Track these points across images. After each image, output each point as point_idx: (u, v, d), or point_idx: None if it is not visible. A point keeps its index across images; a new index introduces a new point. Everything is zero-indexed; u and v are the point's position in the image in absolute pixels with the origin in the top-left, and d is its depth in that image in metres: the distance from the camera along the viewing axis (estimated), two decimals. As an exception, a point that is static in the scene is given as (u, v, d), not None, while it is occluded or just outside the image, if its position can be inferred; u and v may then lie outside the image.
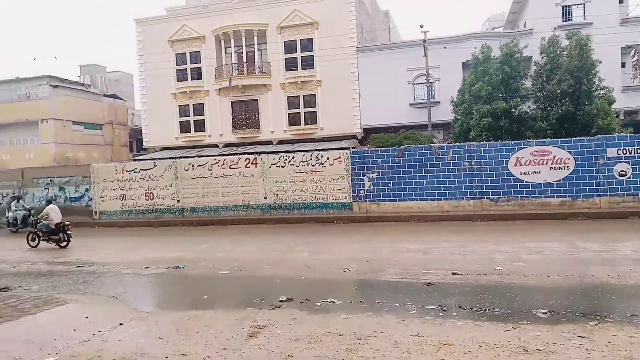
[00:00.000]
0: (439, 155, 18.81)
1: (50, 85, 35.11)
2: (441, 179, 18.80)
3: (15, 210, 20.72)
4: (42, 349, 5.98)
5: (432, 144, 20.71)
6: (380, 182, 19.44)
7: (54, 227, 15.29)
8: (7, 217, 20.96)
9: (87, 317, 7.29)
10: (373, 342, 5.72)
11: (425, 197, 18.87)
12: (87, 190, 23.23)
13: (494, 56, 23.34)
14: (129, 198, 22.34)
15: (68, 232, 15.26)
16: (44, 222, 15.33)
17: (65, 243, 15.33)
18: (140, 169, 22.49)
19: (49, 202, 16.75)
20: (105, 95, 39.83)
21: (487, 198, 18.34)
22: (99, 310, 7.73)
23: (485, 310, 6.88)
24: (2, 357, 5.76)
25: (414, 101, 29.11)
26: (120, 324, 6.88)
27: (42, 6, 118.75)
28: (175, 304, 8.28)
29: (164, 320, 7.09)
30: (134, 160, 29.94)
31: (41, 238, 15.53)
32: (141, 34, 33.14)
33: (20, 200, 21.42)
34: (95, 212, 22.96)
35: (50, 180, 24.04)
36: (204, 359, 5.44)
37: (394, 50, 30.08)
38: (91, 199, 23.07)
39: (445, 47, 27.62)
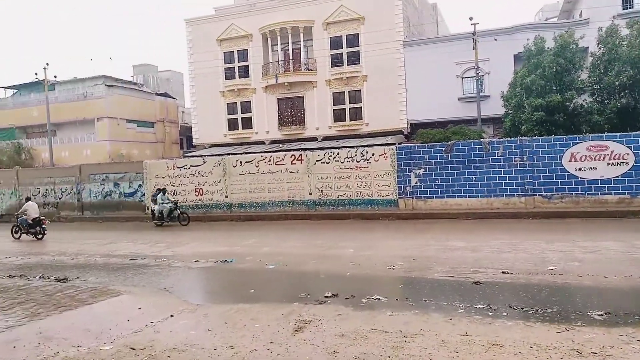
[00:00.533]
0: (488, 150, 18.31)
1: (106, 85, 36.60)
2: (491, 175, 18.30)
3: (162, 203, 20.24)
4: (98, 338, 6.25)
5: (481, 139, 20.19)
6: (428, 178, 19.13)
7: (31, 222, 17.06)
8: (153, 210, 20.78)
9: (139, 309, 7.55)
10: (419, 340, 5.64)
11: (474, 193, 18.43)
12: (140, 185, 24.09)
13: (548, 48, 22.45)
14: (180, 193, 23.00)
15: (43, 226, 17.19)
16: (23, 217, 17.20)
17: (41, 236, 17.13)
18: (190, 165, 23.11)
19: (28, 199, 18.79)
20: (157, 94, 41.13)
21: (539, 195, 17.71)
22: (151, 302, 8.00)
23: (537, 311, 6.65)
24: (63, 344, 6.06)
25: (463, 95, 28.47)
26: (171, 316, 7.09)
27: (99, 9, 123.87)
28: (223, 297, 8.46)
29: (212, 313, 7.25)
30: (184, 157, 30.80)
31: (22, 231, 17.43)
32: (191, 33, 33.98)
33: (166, 194, 20.81)
34: (148, 207, 23.76)
35: (106, 176, 25.07)
36: (251, 352, 5.52)
37: (442, 43, 29.48)
38: (144, 195, 23.90)
39: (495, 39, 26.82)
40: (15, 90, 40.69)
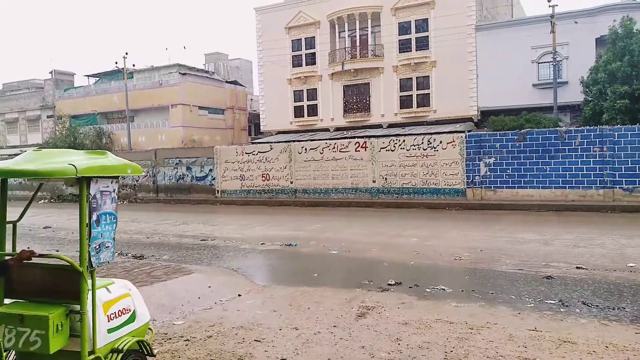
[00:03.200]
0: (565, 139, 17.38)
1: (180, 73, 38.06)
2: (567, 166, 17.38)
3: None
4: (171, 313, 6.62)
5: (557, 128, 19.16)
6: (498, 167, 18.46)
7: None
8: None
9: (209, 287, 7.90)
10: (485, 333, 5.52)
11: (547, 184, 17.60)
12: (210, 170, 25.02)
13: (637, 30, 20.81)
14: (248, 178, 23.66)
15: None
16: None
17: None
18: (258, 152, 23.68)
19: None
20: (227, 82, 42.26)
21: (619, 187, 16.63)
22: (220, 281, 8.33)
23: (613, 309, 6.29)
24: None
25: (538, 81, 27.06)
26: (239, 295, 7.37)
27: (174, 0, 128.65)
28: (288, 279, 8.66)
29: (277, 294, 7.46)
30: (252, 143, 31.57)
31: None
32: (260, 21, 34.55)
33: None
34: (218, 191, 24.66)
35: (179, 160, 26.23)
36: (315, 334, 5.64)
37: (516, 27, 28.10)
38: (214, 179, 24.81)
39: (576, 22, 25.20)
40: (98, 79, 43.28)
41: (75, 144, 37.08)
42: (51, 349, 3.36)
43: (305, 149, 22.41)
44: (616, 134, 16.75)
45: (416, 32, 29.60)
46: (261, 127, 35.65)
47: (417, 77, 29.81)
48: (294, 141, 24.71)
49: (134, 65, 37.32)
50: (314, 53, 32.75)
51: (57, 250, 11.32)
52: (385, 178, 20.50)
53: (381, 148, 20.59)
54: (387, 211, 18.42)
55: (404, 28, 29.98)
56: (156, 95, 37.73)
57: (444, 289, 7.48)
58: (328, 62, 31.96)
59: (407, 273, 8.61)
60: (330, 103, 32.17)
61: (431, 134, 21.24)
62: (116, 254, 11.18)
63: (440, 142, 19.49)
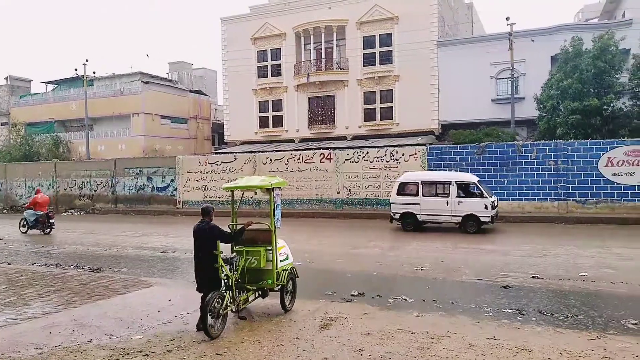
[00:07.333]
0: (522, 153, 17.96)
1: (142, 81, 37.39)
2: (523, 179, 17.95)
3: None
4: (129, 327, 6.44)
5: (515, 142, 19.80)
6: (458, 180, 18.85)
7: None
8: None
9: (170, 300, 7.74)
10: (446, 342, 5.61)
11: (505, 196, 18.10)
12: (172, 180, 24.57)
13: (586, 49, 21.82)
14: (210, 189, 23.35)
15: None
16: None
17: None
18: (222, 162, 23.44)
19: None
20: (190, 91, 41.81)
21: (573, 200, 17.28)
22: (181, 294, 8.17)
23: (567, 317, 6.52)
24: (96, 332, 6.27)
25: (497, 97, 27.95)
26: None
27: (139, 7, 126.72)
28: (250, 292, 8.55)
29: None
30: (216, 153, 31.22)
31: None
32: (226, 32, 34.39)
33: None
34: (179, 202, 24.23)
35: (140, 170, 25.66)
36: (277, 347, 5.60)
37: (477, 44, 29.01)
38: (176, 189, 24.37)
39: (532, 40, 26.21)
40: (56, 85, 41.99)
41: (30, 152, 35.83)
42: (262, 265, 6.80)
43: (270, 160, 22.33)
44: (569, 148, 17.44)
45: (380, 47, 30.11)
46: (225, 137, 35.34)
47: (380, 91, 30.27)
48: (259, 152, 24.57)
49: (94, 73, 36.48)
50: (280, 64, 32.81)
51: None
52: (350, 189, 20.64)
53: (345, 159, 20.75)
54: (351, 222, 18.53)
55: (368, 42, 30.44)
56: (117, 103, 36.92)
57: (406, 299, 7.57)
58: (294, 74, 32.08)
59: (370, 284, 8.68)
60: (296, 114, 32.25)
61: (394, 146, 21.55)
62: (71, 266, 10.84)
63: (403, 154, 19.81)
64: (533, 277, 8.78)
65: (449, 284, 8.66)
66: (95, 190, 26.59)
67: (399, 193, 15.63)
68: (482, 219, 14.40)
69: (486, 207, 14.33)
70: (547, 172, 17.60)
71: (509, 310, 6.85)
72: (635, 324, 6.18)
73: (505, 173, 18.17)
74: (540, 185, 17.70)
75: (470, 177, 15.46)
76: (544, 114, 23.09)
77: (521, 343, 5.53)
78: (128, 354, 5.50)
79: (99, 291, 8.34)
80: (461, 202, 14.69)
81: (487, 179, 18.35)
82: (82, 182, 26.88)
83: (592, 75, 21.13)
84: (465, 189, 14.99)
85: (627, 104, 21.76)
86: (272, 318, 6.72)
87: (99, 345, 5.79)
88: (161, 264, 11.09)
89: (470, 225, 14.51)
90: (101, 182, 26.44)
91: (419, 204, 15.17)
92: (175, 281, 9.39)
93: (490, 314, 6.72)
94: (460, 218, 14.66)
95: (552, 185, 17.51)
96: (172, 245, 13.66)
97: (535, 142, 19.06)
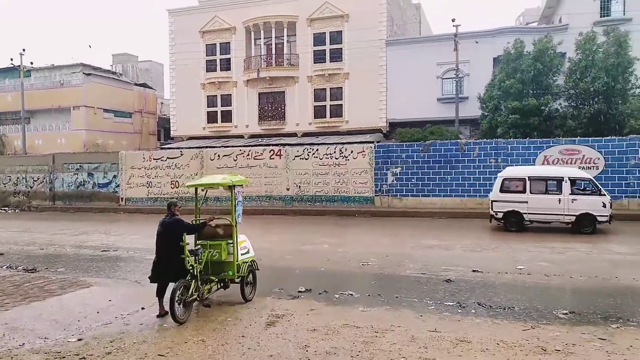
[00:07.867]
0: (464, 151, 18.56)
1: (84, 73, 35.80)
2: (466, 176, 18.57)
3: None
4: (66, 330, 6.16)
5: (458, 140, 20.44)
6: (404, 177, 19.30)
7: None
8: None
9: (110, 300, 7.47)
10: (390, 336, 5.72)
11: (448, 193, 18.68)
12: (114, 176, 23.74)
13: (527, 52, 22.80)
14: (155, 186, 22.74)
15: None
16: None
17: None
18: (167, 158, 22.86)
19: None
20: (135, 84, 40.43)
21: (513, 196, 18.01)
22: (121, 294, 7.92)
23: (504, 309, 6.80)
24: (29, 335, 5.96)
25: (442, 96, 28.71)
26: (142, 309, 7.03)
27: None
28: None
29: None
30: (161, 148, 30.39)
31: None
32: (173, 24, 33.49)
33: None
34: (122, 199, 23.45)
35: (80, 166, 24.63)
36: (222, 346, 5.52)
37: (423, 44, 29.67)
38: (118, 185, 23.57)
39: (477, 42, 27.10)
40: (-11, 76, 39.59)
41: (-41, 146, 33.64)
42: (223, 258, 7.16)
43: (219, 156, 21.99)
44: (509, 146, 18.19)
45: (330, 44, 30.23)
46: (171, 132, 34.45)
47: (330, 88, 30.41)
48: (207, 147, 24.15)
49: (32, 63, 34.55)
50: (229, 59, 32.30)
51: None
52: (299, 186, 20.65)
53: (295, 156, 20.74)
54: (300, 219, 18.55)
55: (319, 39, 30.50)
56: (57, 95, 35.22)
57: (352, 294, 7.65)
58: (243, 69, 31.68)
59: (318, 280, 8.72)
60: (245, 110, 31.87)
61: (343, 143, 21.75)
62: (3, 267, 10.26)
63: (352, 151, 20.03)
64: (473, 270, 9.08)
65: (393, 278, 8.83)
66: (31, 187, 25.32)
67: (502, 190, 14.31)
68: (600, 219, 13.27)
69: (604, 206, 13.24)
70: (488, 170, 18.28)
71: (450, 303, 7.05)
72: (566, 314, 6.52)
73: (449, 170, 18.74)
74: (481, 182, 18.38)
75: (583, 173, 14.38)
76: (487, 114, 23.93)
77: (461, 335, 5.72)
78: (64, 357, 5.27)
79: (34, 292, 7.95)
80: (575, 199, 13.41)
81: (431, 176, 18.88)
82: (18, 177, 25.53)
83: (532, 77, 22.10)
84: (578, 186, 13.89)
85: (562, 105, 22.91)
86: (216, 317, 6.62)
87: (32, 350, 5.51)
88: (102, 263, 10.69)
89: (586, 226, 13.37)
90: (38, 178, 25.21)
91: (527, 202, 13.83)
92: (116, 281, 9.07)
93: (433, 307, 6.92)
94: (574, 217, 13.43)
95: (493, 182, 18.18)
96: (114, 244, 13.20)
97: (478, 141, 19.75)
